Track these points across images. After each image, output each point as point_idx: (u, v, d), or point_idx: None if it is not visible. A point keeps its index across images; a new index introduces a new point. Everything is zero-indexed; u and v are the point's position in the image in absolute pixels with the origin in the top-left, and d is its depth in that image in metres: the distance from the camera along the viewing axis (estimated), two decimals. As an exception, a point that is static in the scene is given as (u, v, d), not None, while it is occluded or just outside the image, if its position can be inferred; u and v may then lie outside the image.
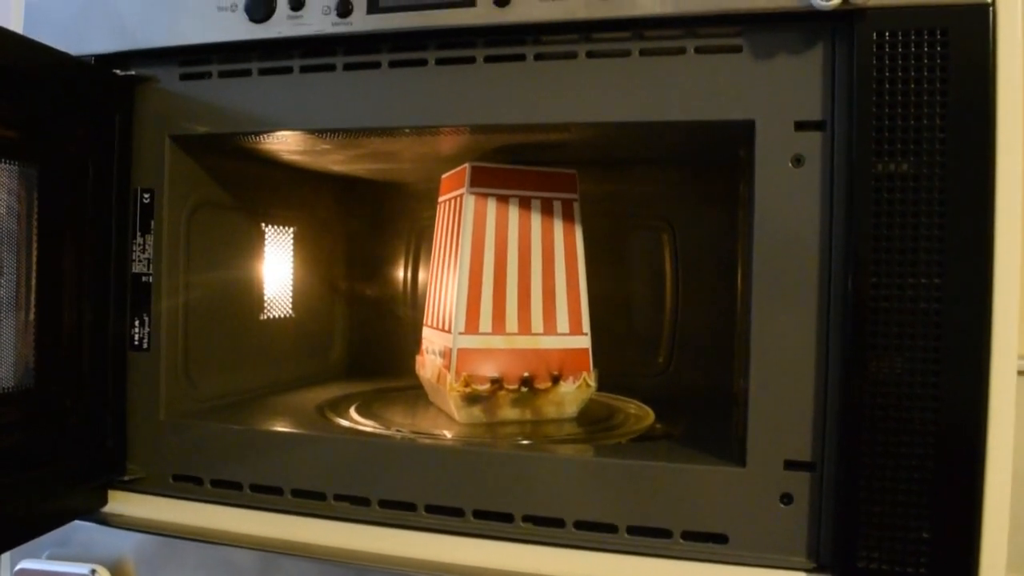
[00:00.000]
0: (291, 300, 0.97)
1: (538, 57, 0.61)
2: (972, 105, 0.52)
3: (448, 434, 0.72)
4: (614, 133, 0.68)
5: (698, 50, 0.58)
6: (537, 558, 0.61)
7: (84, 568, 0.68)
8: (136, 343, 0.71)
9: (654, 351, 0.97)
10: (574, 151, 0.80)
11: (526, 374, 0.76)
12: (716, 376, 0.87)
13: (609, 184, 0.98)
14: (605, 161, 0.92)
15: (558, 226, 0.78)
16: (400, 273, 1.11)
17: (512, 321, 0.76)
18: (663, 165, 0.95)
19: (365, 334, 1.11)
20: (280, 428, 0.71)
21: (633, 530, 0.59)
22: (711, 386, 0.90)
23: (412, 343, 0.89)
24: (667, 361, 0.97)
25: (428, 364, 0.82)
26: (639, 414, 0.81)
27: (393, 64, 0.64)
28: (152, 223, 0.71)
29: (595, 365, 0.79)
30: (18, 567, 0.69)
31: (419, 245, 1.09)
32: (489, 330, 0.76)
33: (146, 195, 0.71)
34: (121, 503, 0.72)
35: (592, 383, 0.78)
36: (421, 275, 1.09)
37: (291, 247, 0.97)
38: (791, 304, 0.56)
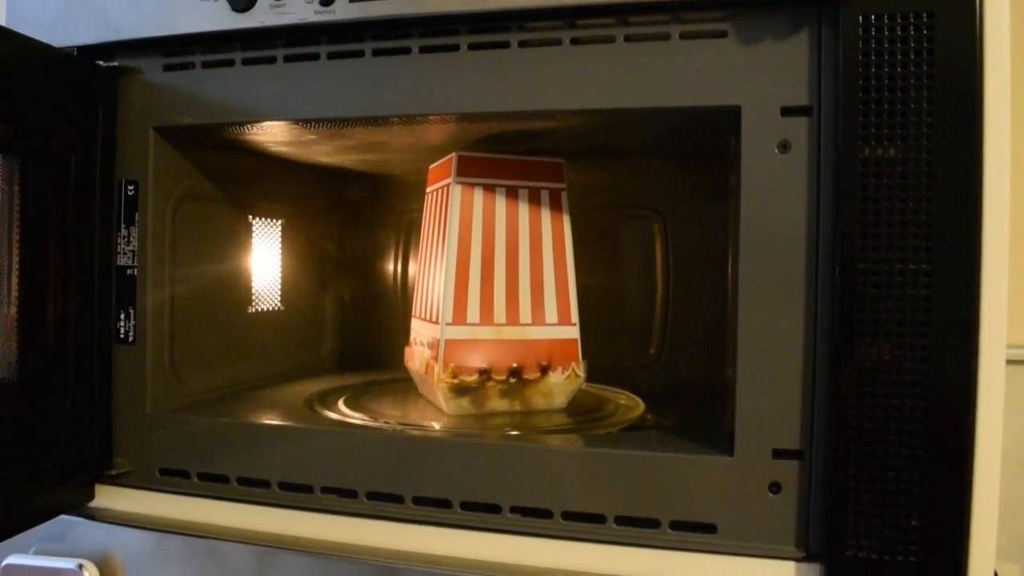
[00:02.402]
0: (280, 293, 0.96)
1: (522, 44, 0.61)
2: (959, 89, 0.51)
3: (436, 426, 0.72)
4: (600, 120, 0.68)
5: (683, 35, 0.58)
6: (525, 549, 0.61)
7: (71, 563, 0.68)
8: (122, 336, 0.71)
9: (645, 342, 0.97)
10: (563, 140, 0.80)
11: (514, 365, 0.75)
12: (708, 367, 0.87)
13: (600, 174, 0.98)
14: (595, 151, 0.91)
15: (546, 216, 0.78)
16: (390, 265, 1.10)
17: (500, 311, 0.76)
18: (654, 155, 0.95)
19: (356, 327, 1.10)
20: (267, 421, 0.71)
21: (621, 520, 0.59)
22: (703, 377, 0.90)
23: (403, 335, 0.88)
24: (658, 352, 0.96)
25: (416, 356, 0.82)
26: (629, 405, 0.81)
27: (377, 52, 0.64)
28: (137, 215, 0.71)
29: (586, 356, 0.79)
30: (5, 562, 0.69)
31: (409, 236, 1.09)
32: (477, 321, 0.75)
33: (130, 187, 0.71)
34: (108, 497, 0.71)
35: (581, 373, 0.78)
36: (411, 267, 1.09)
37: (279, 239, 0.96)
38: (778, 291, 0.56)
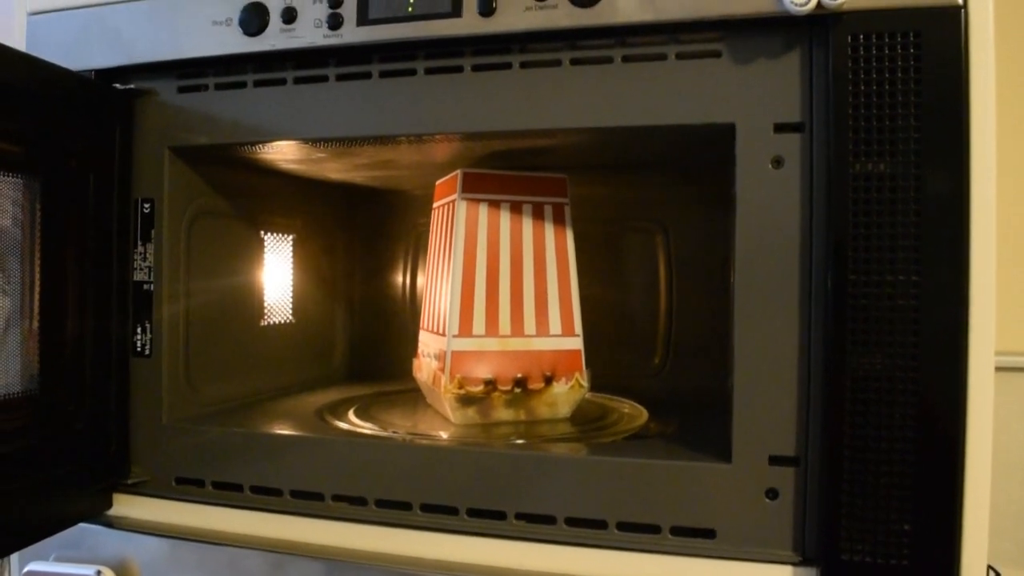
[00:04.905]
0: (291, 306, 0.98)
1: (524, 65, 0.63)
2: (946, 105, 0.53)
3: (444, 435, 0.73)
4: (600, 138, 0.70)
5: (679, 56, 0.59)
6: (529, 554, 0.62)
7: (90, 570, 0.69)
8: (138, 349, 0.73)
9: (649, 352, 0.98)
10: (566, 156, 0.82)
11: (519, 375, 0.77)
12: (711, 376, 0.88)
13: (603, 188, 1.00)
14: (598, 166, 0.93)
15: (549, 229, 0.80)
16: (400, 278, 1.12)
17: (505, 323, 0.78)
18: (656, 169, 0.96)
19: (366, 339, 1.12)
20: (280, 431, 0.73)
21: (623, 526, 0.61)
22: (706, 386, 0.91)
23: (412, 347, 0.90)
24: (662, 362, 0.98)
25: (424, 367, 0.83)
26: (633, 414, 0.82)
27: (383, 74, 0.66)
28: (152, 232, 0.73)
29: (591, 367, 0.80)
30: (26, 569, 0.70)
31: (417, 250, 1.11)
32: (483, 332, 0.77)
33: (146, 205, 0.73)
34: (125, 506, 0.73)
35: (584, 383, 0.79)
36: (420, 280, 1.11)
37: (291, 254, 0.98)
38: (773, 302, 0.58)
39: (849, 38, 0.54)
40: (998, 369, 0.54)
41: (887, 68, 0.54)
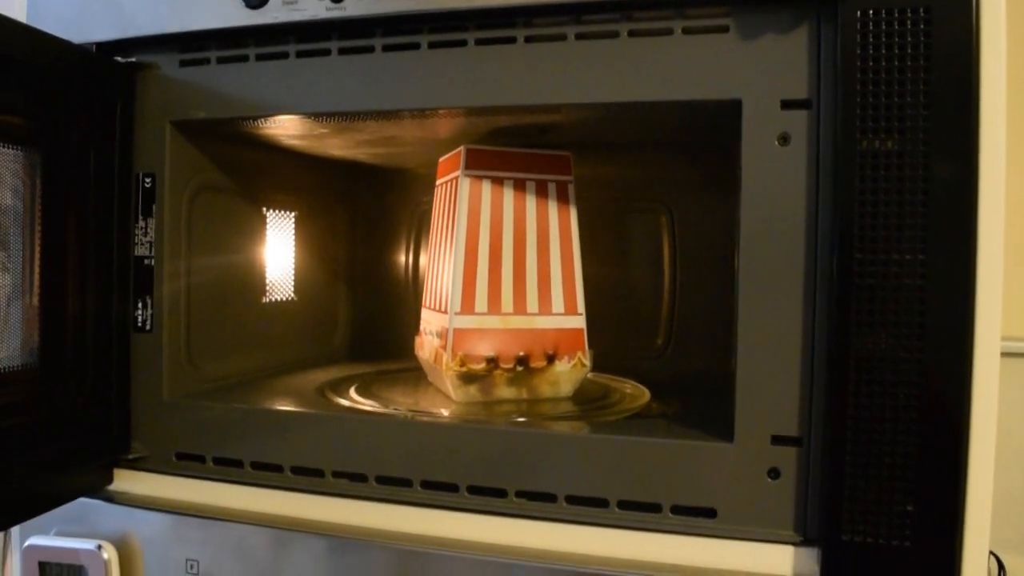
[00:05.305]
0: (293, 284, 0.98)
1: (528, 39, 0.62)
2: (956, 82, 0.52)
3: (445, 412, 0.73)
4: (605, 114, 0.69)
5: (685, 31, 0.59)
6: (530, 532, 0.62)
7: (90, 544, 0.69)
8: (139, 325, 0.73)
9: (653, 333, 0.98)
10: (571, 133, 0.81)
11: (521, 353, 0.77)
12: (715, 357, 0.88)
13: (609, 168, 0.99)
14: (604, 144, 0.93)
15: (553, 207, 0.79)
16: (402, 257, 1.12)
17: (507, 301, 0.77)
18: (662, 149, 0.96)
19: (368, 317, 1.12)
20: (280, 407, 0.73)
21: (623, 504, 0.61)
22: (710, 367, 0.91)
23: (415, 326, 0.90)
24: (666, 343, 0.97)
25: (426, 345, 0.83)
26: (635, 394, 0.82)
27: (386, 48, 0.65)
28: (154, 207, 0.72)
29: (594, 347, 0.80)
30: (27, 543, 0.71)
31: (420, 228, 1.11)
32: (485, 310, 0.77)
33: (147, 179, 0.72)
34: (126, 481, 0.73)
35: (587, 362, 0.79)
36: (423, 259, 1.11)
37: (292, 231, 0.98)
38: (778, 280, 0.57)
39: (858, 13, 0.53)
40: (1003, 355, 0.53)
41: (896, 44, 0.53)
